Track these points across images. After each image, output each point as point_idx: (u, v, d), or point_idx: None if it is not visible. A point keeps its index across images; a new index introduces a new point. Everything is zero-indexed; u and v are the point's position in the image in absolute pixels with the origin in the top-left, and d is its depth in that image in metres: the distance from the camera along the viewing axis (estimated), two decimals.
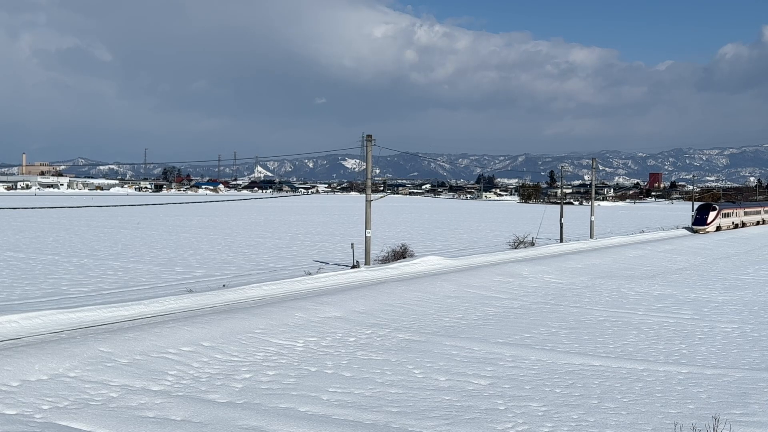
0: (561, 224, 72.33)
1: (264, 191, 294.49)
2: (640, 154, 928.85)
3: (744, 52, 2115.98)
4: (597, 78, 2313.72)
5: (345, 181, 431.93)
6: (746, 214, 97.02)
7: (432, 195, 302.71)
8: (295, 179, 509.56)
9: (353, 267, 41.98)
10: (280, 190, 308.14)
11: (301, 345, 22.85)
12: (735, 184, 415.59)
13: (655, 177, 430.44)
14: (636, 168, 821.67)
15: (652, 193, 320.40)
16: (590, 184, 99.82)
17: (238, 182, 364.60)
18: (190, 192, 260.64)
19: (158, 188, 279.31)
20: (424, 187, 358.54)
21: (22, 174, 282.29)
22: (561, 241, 68.93)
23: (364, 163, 44.03)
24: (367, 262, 43.59)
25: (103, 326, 23.62)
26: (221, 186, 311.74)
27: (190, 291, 31.09)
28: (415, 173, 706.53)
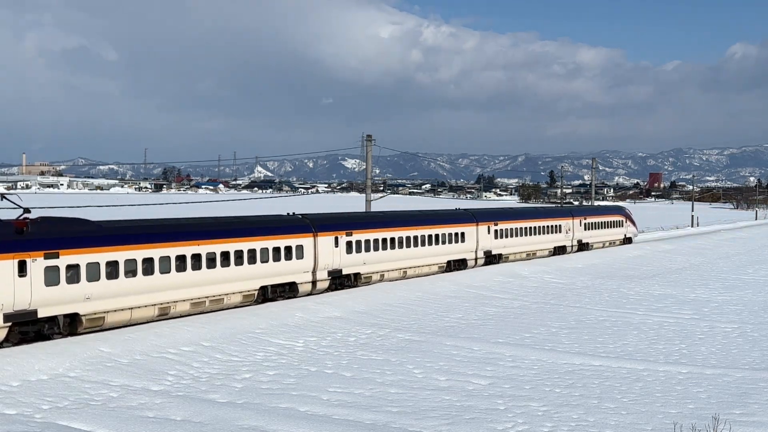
0: None
1: (264, 191, 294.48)
2: (640, 154, 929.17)
3: (752, 52, 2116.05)
4: (603, 78, 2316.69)
5: (345, 181, 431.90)
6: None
7: (432, 195, 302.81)
8: (295, 179, 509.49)
9: None
10: (280, 190, 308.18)
11: (301, 345, 22.85)
12: (735, 184, 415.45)
13: (655, 177, 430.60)
14: (636, 168, 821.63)
15: (652, 193, 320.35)
16: (590, 184, 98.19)
17: (238, 182, 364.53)
18: (190, 192, 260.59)
19: (158, 188, 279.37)
20: (424, 187, 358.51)
21: (22, 174, 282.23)
22: None
23: (364, 163, 44.03)
24: None
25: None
26: (221, 186, 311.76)
27: None
28: (415, 173, 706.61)
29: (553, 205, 56.44)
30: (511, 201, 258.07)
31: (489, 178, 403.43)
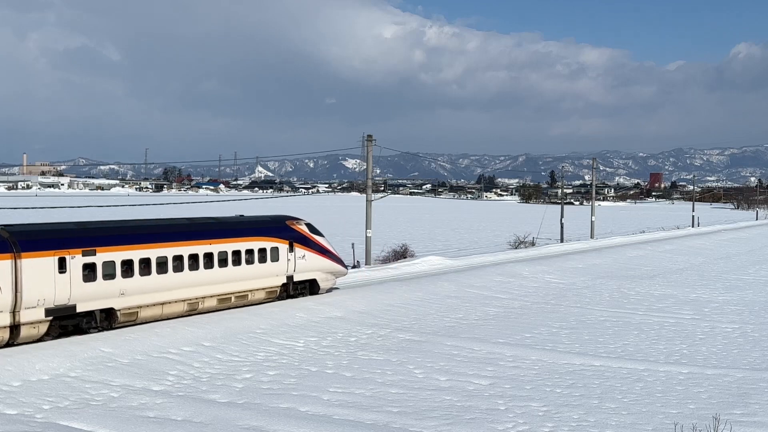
0: (561, 224, 72.36)
1: (264, 191, 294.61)
2: (641, 154, 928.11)
3: (756, 52, 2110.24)
4: (607, 78, 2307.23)
5: (345, 181, 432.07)
6: None
7: (432, 195, 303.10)
8: (295, 179, 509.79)
9: (354, 267, 42.00)
10: (281, 190, 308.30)
11: (302, 345, 22.85)
12: (736, 184, 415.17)
13: (655, 177, 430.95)
14: (636, 168, 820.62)
15: (653, 193, 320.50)
16: (591, 184, 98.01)
17: (239, 182, 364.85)
18: (190, 192, 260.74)
19: (159, 188, 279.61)
20: (424, 187, 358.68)
21: (23, 174, 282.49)
22: (562, 241, 68.99)
23: (365, 163, 44.06)
24: (367, 262, 43.63)
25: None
26: (222, 186, 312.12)
27: None
28: (416, 173, 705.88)
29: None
30: (512, 201, 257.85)
31: (489, 178, 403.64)
